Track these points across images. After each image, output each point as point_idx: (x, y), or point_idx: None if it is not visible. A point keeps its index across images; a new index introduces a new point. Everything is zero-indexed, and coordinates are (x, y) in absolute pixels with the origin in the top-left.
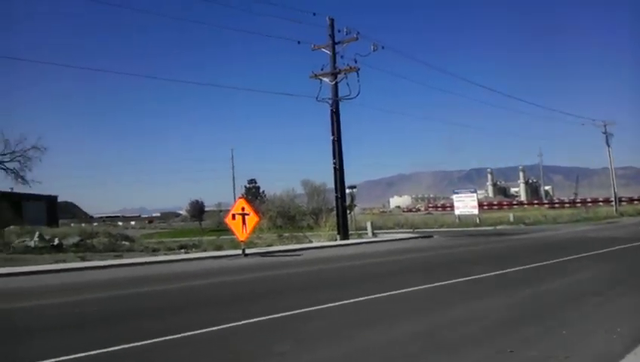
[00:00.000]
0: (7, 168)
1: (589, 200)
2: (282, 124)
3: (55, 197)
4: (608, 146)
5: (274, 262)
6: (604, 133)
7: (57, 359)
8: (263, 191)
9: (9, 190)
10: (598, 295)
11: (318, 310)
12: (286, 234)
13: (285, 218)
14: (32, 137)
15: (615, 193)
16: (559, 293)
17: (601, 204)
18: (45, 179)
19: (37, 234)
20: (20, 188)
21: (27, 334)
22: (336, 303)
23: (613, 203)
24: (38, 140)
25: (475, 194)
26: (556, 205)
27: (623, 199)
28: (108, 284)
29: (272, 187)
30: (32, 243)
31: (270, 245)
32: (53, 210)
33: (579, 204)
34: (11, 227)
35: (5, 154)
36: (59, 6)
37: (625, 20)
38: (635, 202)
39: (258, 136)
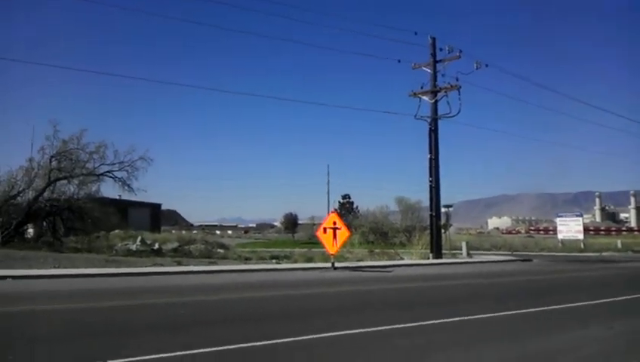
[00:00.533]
0: (116, 177)
1: None
2: (380, 142)
3: (159, 205)
4: None
5: (363, 276)
6: None
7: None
8: (357, 207)
9: (117, 197)
10: None
11: (405, 327)
12: (377, 250)
13: (377, 234)
14: (140, 148)
15: None
16: None
17: None
18: (150, 188)
19: (139, 238)
20: (126, 196)
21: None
22: (425, 322)
23: None
24: (146, 152)
25: (580, 218)
26: None
27: None
28: (196, 289)
29: (366, 203)
30: (133, 247)
31: (360, 260)
32: (157, 217)
33: None
34: (116, 231)
35: (114, 164)
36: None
37: None
38: None
39: (355, 153)
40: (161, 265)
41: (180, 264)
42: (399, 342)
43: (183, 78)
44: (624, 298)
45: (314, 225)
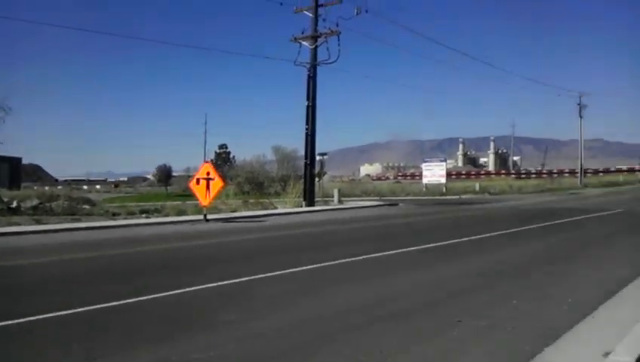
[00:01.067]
0: None
1: (555, 171)
2: (258, 88)
3: (19, 159)
4: (581, 118)
5: (236, 227)
6: (579, 104)
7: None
8: (234, 157)
9: None
10: (550, 264)
11: (272, 276)
12: (251, 201)
13: (253, 184)
14: None
15: (581, 165)
16: (513, 262)
17: (566, 175)
18: (9, 141)
19: None
20: None
21: None
22: (292, 269)
23: (579, 174)
24: (3, 100)
25: (444, 164)
26: (523, 175)
27: (589, 171)
28: (56, 248)
29: (243, 153)
30: None
31: (234, 211)
32: (17, 172)
33: (545, 175)
34: None
35: None
36: None
37: None
38: (600, 174)
39: (233, 100)
40: (18, 224)
41: (39, 223)
42: (264, 289)
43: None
44: (478, 237)
45: (189, 176)
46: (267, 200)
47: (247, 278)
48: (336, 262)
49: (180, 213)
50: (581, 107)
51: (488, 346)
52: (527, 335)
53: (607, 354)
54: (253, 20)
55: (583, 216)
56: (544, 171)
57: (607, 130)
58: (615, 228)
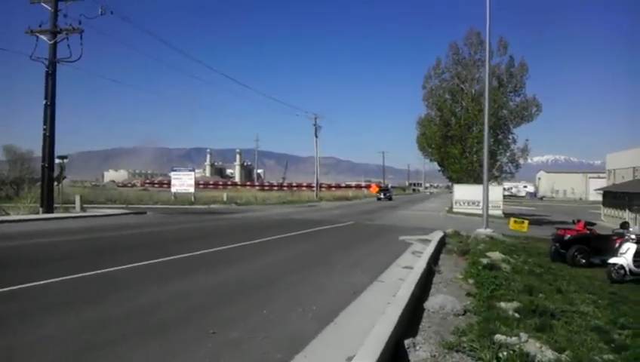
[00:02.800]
0: None
1: (294, 184)
2: None
3: None
4: (316, 137)
5: None
6: (315, 125)
7: None
8: None
9: None
10: (297, 273)
11: None
12: None
13: None
14: None
15: (317, 180)
16: (262, 273)
17: (304, 188)
18: None
19: None
20: None
21: None
22: (27, 285)
23: (315, 188)
24: None
25: (192, 173)
26: (266, 187)
27: (323, 185)
28: None
29: None
30: None
31: None
32: None
33: (286, 188)
34: None
35: None
36: None
37: (345, 31)
38: (333, 189)
39: None
40: None
41: None
42: None
43: None
44: (225, 247)
45: None
46: None
47: None
48: (61, 279)
49: None
50: (316, 128)
51: (242, 357)
52: (278, 343)
53: (350, 359)
54: None
55: (322, 227)
56: (285, 184)
57: (338, 149)
58: (350, 238)
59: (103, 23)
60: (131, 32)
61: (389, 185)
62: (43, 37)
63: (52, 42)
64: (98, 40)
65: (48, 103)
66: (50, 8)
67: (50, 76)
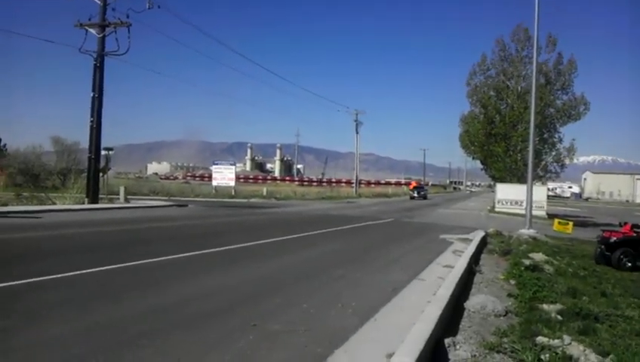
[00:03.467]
0: None
1: (334, 180)
2: (40, 73)
3: None
4: (357, 133)
5: (5, 224)
6: (355, 120)
7: None
8: (5, 145)
9: None
10: (337, 269)
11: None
12: (25, 194)
13: (28, 176)
14: None
15: (357, 176)
16: (301, 268)
17: (343, 184)
18: None
19: None
20: None
21: None
22: (81, 271)
23: (354, 184)
24: None
25: (233, 167)
26: (305, 183)
27: (362, 182)
28: None
29: (17, 142)
30: None
31: (5, 204)
32: None
33: (325, 183)
34: None
35: None
36: None
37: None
38: (372, 185)
39: (10, 84)
40: None
41: None
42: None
43: None
44: (270, 240)
45: None
46: (44, 195)
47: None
48: (125, 264)
49: None
50: (357, 123)
51: (283, 349)
52: (318, 337)
53: (390, 356)
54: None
55: (360, 224)
56: (324, 180)
57: (378, 145)
58: (389, 236)
59: (150, 16)
60: (177, 25)
61: (423, 183)
62: (92, 30)
63: (100, 35)
64: (145, 33)
65: (96, 95)
66: (99, 2)
67: (98, 69)
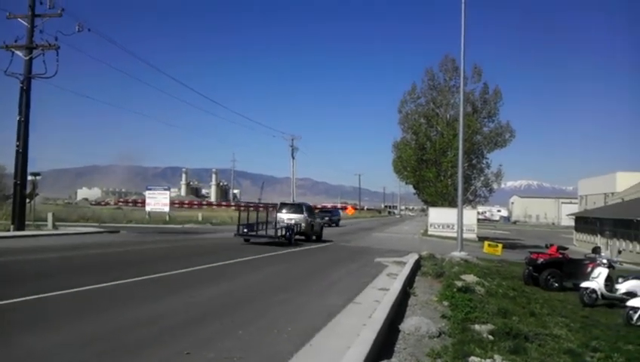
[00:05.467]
0: None
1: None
2: None
3: None
4: (293, 158)
5: None
6: (291, 146)
7: None
8: None
9: None
10: (273, 295)
11: None
12: None
13: None
14: None
15: (293, 200)
16: (236, 294)
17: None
18: None
19: None
20: None
21: None
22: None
23: None
24: None
25: (167, 192)
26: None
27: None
28: None
29: None
30: None
31: None
32: None
33: (262, 208)
34: None
35: None
36: None
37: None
38: None
39: None
40: None
41: None
42: None
43: None
44: (204, 266)
45: None
46: None
47: None
48: (56, 293)
49: None
50: (293, 149)
51: None
52: None
53: None
54: None
55: (297, 248)
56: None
57: (314, 170)
58: (325, 260)
59: (79, 39)
60: (107, 48)
61: (337, 206)
62: (18, 52)
63: (27, 58)
64: (74, 56)
65: (22, 119)
66: (26, 24)
67: (25, 92)
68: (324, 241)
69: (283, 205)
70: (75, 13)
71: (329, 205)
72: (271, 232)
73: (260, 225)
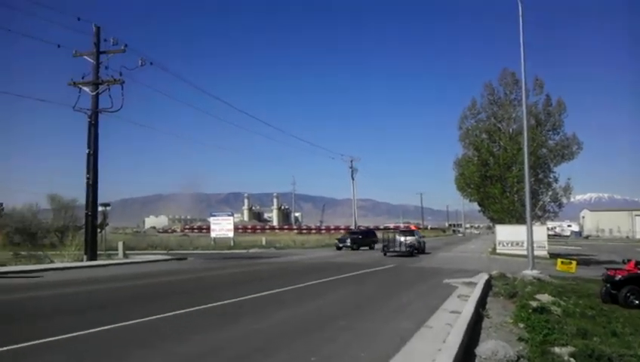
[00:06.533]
0: None
1: (332, 227)
2: (32, 132)
3: None
4: (353, 179)
5: (4, 284)
6: (351, 167)
7: None
8: (1, 204)
9: None
10: (342, 319)
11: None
12: (23, 253)
13: (25, 235)
14: None
15: (355, 222)
16: (305, 318)
17: (342, 231)
18: None
19: None
20: None
21: None
22: (81, 332)
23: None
24: None
25: (231, 218)
26: (304, 231)
27: (361, 227)
28: None
29: (12, 200)
30: None
31: (4, 264)
32: None
33: (324, 231)
34: None
35: None
36: None
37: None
38: None
39: (6, 143)
40: None
41: None
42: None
43: None
44: (269, 292)
45: None
46: (42, 253)
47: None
48: (128, 323)
49: None
50: (353, 170)
51: None
52: None
53: None
54: (26, 61)
55: (363, 271)
56: (323, 227)
57: (375, 191)
58: (392, 282)
59: (143, 73)
60: (169, 81)
61: (365, 227)
62: (86, 88)
63: (94, 93)
64: (138, 89)
65: (91, 152)
66: (92, 61)
67: (93, 126)
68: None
69: (401, 231)
70: (137, 49)
71: (391, 225)
72: (402, 249)
73: (390, 243)
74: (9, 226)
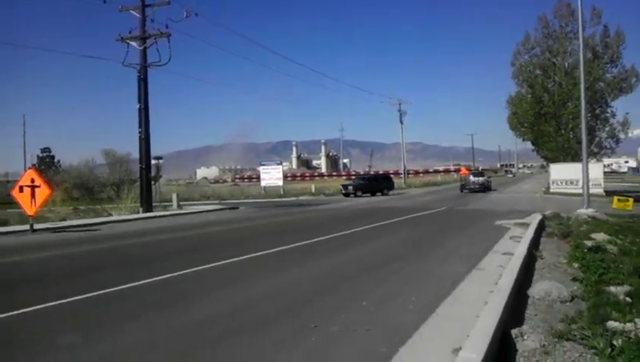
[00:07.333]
0: None
1: (381, 172)
2: (84, 88)
3: None
4: (401, 123)
5: (66, 238)
6: (399, 111)
7: None
8: (59, 161)
9: None
10: (391, 263)
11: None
12: (82, 207)
13: (83, 190)
14: None
15: (404, 166)
16: (356, 263)
17: (391, 175)
18: None
19: None
20: None
21: None
22: (143, 281)
23: (403, 175)
24: None
25: (280, 167)
26: (353, 177)
27: (410, 171)
28: None
29: (70, 157)
30: None
31: (64, 219)
32: None
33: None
34: None
35: None
36: None
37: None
38: (421, 174)
39: (55, 102)
40: None
41: None
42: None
43: None
44: (323, 238)
45: (8, 182)
46: (100, 207)
47: (76, 298)
48: (189, 270)
49: (2, 223)
50: (401, 114)
51: (347, 350)
52: (381, 336)
53: (456, 351)
54: (73, 18)
55: (413, 215)
56: (371, 172)
57: (424, 134)
58: (443, 225)
59: (188, 24)
60: (215, 31)
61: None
62: (133, 43)
63: (142, 48)
64: (185, 41)
65: (142, 107)
66: (138, 15)
67: (142, 80)
68: (439, 208)
69: (473, 174)
70: (181, 1)
71: (441, 168)
72: (475, 186)
73: (466, 183)
74: (67, 182)
